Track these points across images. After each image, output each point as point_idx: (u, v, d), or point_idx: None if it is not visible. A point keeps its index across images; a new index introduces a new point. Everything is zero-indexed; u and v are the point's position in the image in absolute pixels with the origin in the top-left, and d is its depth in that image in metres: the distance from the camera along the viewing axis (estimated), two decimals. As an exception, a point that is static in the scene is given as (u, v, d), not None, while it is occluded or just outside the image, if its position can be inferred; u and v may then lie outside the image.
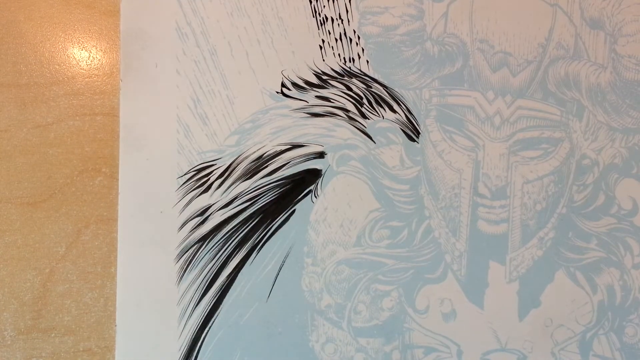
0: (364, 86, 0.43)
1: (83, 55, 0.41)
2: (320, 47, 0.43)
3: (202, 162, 0.41)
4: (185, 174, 0.41)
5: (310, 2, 0.43)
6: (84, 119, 0.41)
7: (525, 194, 0.43)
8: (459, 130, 0.43)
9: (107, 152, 0.41)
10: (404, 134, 0.43)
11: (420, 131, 0.43)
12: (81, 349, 0.39)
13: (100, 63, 0.42)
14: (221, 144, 0.42)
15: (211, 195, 0.41)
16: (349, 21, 0.43)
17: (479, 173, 0.42)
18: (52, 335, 0.39)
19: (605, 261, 0.43)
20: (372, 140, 0.43)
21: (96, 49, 0.42)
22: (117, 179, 0.40)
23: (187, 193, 0.41)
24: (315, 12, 0.43)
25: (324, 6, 0.43)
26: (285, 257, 0.41)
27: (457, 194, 0.43)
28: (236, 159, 0.42)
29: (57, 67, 0.41)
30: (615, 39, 0.44)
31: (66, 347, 0.39)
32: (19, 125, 0.40)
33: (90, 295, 0.39)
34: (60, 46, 0.41)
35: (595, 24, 0.44)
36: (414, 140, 0.43)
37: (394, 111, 0.43)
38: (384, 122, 0.43)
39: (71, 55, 0.41)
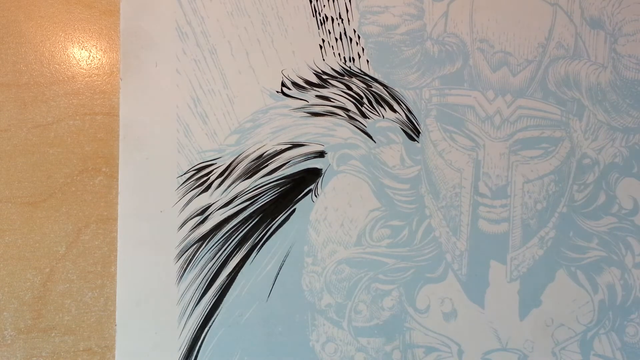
0: (364, 86, 0.43)
1: (83, 54, 0.41)
2: (321, 47, 0.42)
3: (202, 161, 0.41)
4: (185, 173, 0.41)
5: (310, 1, 0.43)
6: (84, 119, 0.40)
7: (526, 193, 0.42)
8: (459, 129, 0.43)
9: (107, 151, 0.40)
10: (404, 134, 0.43)
11: (420, 130, 0.43)
12: (81, 349, 0.39)
13: (100, 63, 0.41)
14: (221, 143, 0.41)
15: (211, 195, 0.41)
16: (349, 20, 0.43)
17: (479, 172, 0.42)
18: (52, 334, 0.39)
19: (606, 260, 0.43)
20: (372, 140, 0.42)
21: (96, 48, 0.42)
22: (117, 179, 0.40)
23: (187, 192, 0.41)
24: (315, 11, 0.43)
25: (324, 5, 0.43)
26: (286, 257, 0.41)
27: (457, 194, 0.42)
28: (236, 158, 0.41)
29: (57, 66, 0.41)
30: (616, 38, 0.44)
31: (66, 347, 0.39)
32: (19, 125, 0.40)
33: (90, 294, 0.39)
34: (60, 46, 0.41)
35: (595, 24, 0.44)
36: (414, 140, 0.43)
37: (394, 110, 0.43)
38: (384, 122, 0.43)
39: (71, 55, 0.41)
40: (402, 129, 0.43)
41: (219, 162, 0.41)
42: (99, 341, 0.39)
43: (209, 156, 0.41)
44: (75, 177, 0.40)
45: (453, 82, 0.43)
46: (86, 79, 0.41)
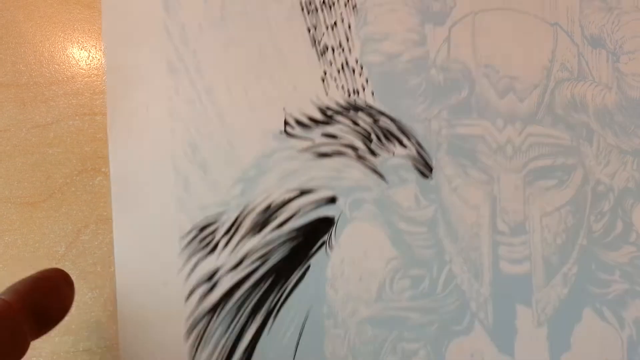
0: (371, 120, 0.40)
1: (83, 55, 0.40)
2: (323, 80, 0.40)
3: (204, 217, 0.38)
4: (188, 233, 0.37)
5: (309, 30, 0.40)
6: (83, 119, 0.39)
7: (545, 228, 0.41)
8: (472, 163, 0.40)
9: (106, 151, 0.39)
10: (416, 171, 0.40)
11: (432, 167, 0.40)
12: (81, 349, 0.38)
13: (100, 63, 0.40)
14: (225, 194, 0.38)
15: (218, 257, 0.38)
16: (350, 49, 0.40)
17: (496, 208, 0.40)
18: (52, 334, 0.38)
19: (630, 293, 0.41)
20: (385, 180, 0.40)
21: (96, 48, 0.41)
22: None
23: (191, 255, 0.37)
24: (315, 40, 0.40)
25: (323, 34, 0.40)
26: (305, 321, 0.38)
27: (476, 233, 0.40)
28: (242, 211, 0.38)
29: (57, 66, 0.40)
30: (617, 56, 0.43)
31: (66, 347, 0.38)
32: (19, 125, 0.39)
33: (90, 295, 0.38)
34: (59, 46, 0.40)
35: (596, 42, 0.43)
36: (426, 177, 0.40)
37: (404, 145, 0.40)
38: (395, 159, 0.40)
39: (71, 55, 0.40)
40: (414, 166, 0.40)
41: (223, 218, 0.38)
42: (99, 341, 0.38)
43: (212, 211, 0.38)
44: (74, 177, 0.39)
45: (461, 111, 0.41)
46: (86, 79, 0.40)
